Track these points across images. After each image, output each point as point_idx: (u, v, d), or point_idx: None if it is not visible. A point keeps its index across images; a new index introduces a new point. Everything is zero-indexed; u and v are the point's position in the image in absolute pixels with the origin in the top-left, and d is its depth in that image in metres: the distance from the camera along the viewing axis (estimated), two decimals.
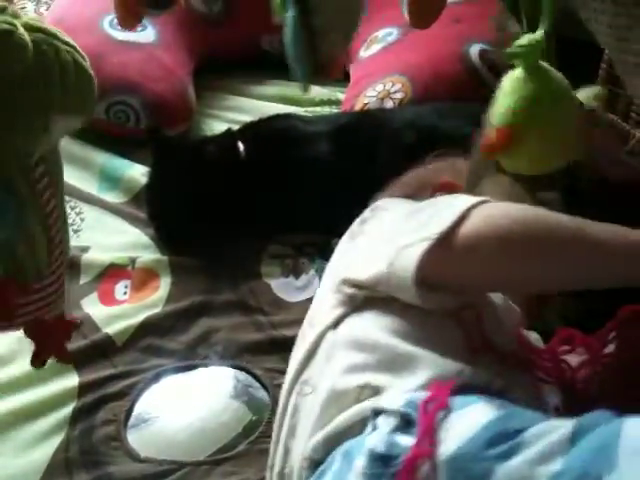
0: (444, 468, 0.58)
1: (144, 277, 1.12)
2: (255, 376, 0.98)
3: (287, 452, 0.71)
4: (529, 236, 0.69)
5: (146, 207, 1.21)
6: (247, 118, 1.36)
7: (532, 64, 0.82)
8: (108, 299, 1.10)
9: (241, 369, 0.99)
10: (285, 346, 1.01)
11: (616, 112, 1.48)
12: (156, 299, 1.09)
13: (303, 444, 0.69)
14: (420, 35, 1.43)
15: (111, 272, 1.13)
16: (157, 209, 1.19)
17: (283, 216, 1.18)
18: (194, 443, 0.91)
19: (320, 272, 1.14)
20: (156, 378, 0.98)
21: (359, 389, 0.68)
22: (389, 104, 1.35)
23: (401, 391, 0.67)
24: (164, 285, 1.11)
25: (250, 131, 1.24)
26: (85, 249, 1.17)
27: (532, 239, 0.69)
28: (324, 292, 0.80)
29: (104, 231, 1.21)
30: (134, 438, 0.92)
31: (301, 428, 0.71)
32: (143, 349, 1.02)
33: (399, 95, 1.35)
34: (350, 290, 0.74)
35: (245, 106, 1.49)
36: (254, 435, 0.91)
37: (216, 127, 1.41)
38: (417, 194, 0.95)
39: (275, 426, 0.76)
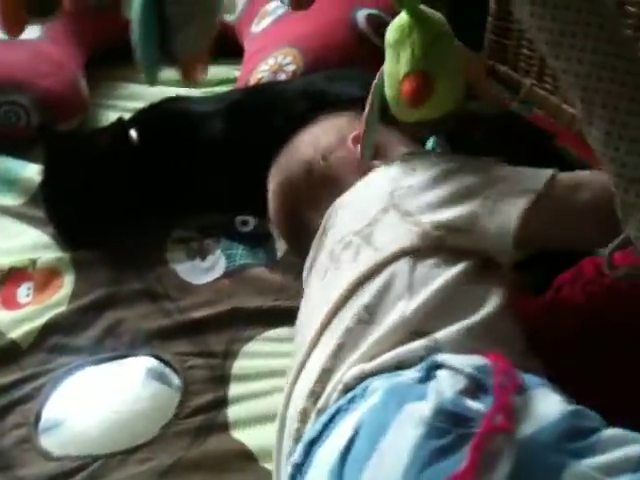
0: (519, 447, 0.58)
1: (46, 277, 1.11)
2: (165, 361, 0.98)
3: (326, 372, 0.71)
4: (601, 204, 0.73)
5: (43, 206, 1.19)
6: (144, 105, 1.35)
7: (417, 9, 0.82)
8: (11, 303, 1.08)
9: (151, 356, 0.99)
10: (193, 328, 1.03)
11: (505, 62, 1.52)
12: (60, 298, 1.08)
13: (344, 369, 0.70)
14: None
15: (12, 276, 1.11)
16: (54, 207, 1.17)
17: (183, 200, 1.18)
18: (109, 436, 0.90)
19: (226, 251, 1.15)
20: (64, 376, 0.97)
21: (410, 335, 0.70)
22: (282, 77, 1.35)
23: (450, 344, 0.69)
24: (67, 283, 1.10)
25: (141, 117, 1.23)
26: None
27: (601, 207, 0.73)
28: (376, 210, 0.80)
29: (3, 235, 1.19)
30: (47, 439, 0.91)
31: (347, 353, 0.71)
32: (49, 349, 1.01)
33: (291, 67, 1.35)
34: (435, 232, 0.75)
35: (141, 93, 1.46)
36: (168, 419, 0.91)
37: (112, 117, 1.37)
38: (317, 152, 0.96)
39: (309, 339, 0.75)
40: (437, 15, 0.84)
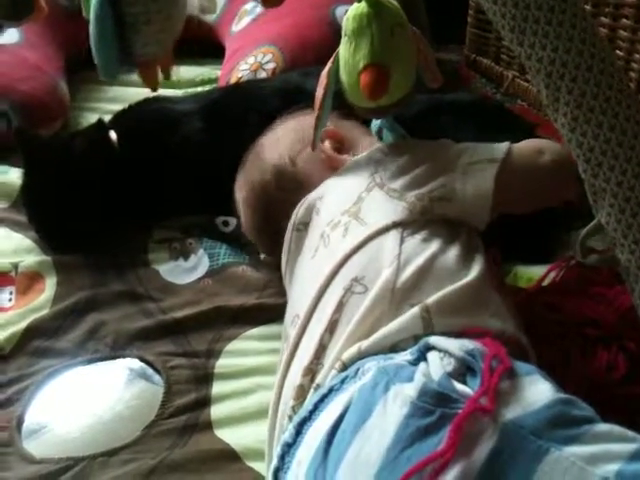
0: (501, 430, 0.58)
1: (28, 281, 1.10)
2: (148, 362, 0.97)
3: (322, 348, 0.72)
4: (562, 163, 0.81)
5: (24, 210, 1.19)
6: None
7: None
8: None
9: (133, 357, 0.98)
10: (176, 329, 1.02)
11: (487, 55, 1.52)
12: (42, 301, 1.07)
13: (340, 345, 0.70)
14: (286, 3, 1.43)
15: None
16: (34, 210, 1.17)
17: (164, 201, 1.17)
18: (91, 438, 0.90)
19: (208, 250, 1.14)
20: (47, 380, 0.96)
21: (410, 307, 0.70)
22: (262, 75, 1.35)
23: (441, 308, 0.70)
24: (49, 286, 1.09)
25: (120, 119, 1.22)
26: None
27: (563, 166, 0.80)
28: (359, 191, 0.82)
29: None
30: (30, 443, 0.90)
31: (342, 327, 0.71)
32: (31, 353, 1.00)
33: (271, 65, 1.35)
34: (420, 202, 0.78)
35: (122, 95, 1.46)
36: (150, 419, 0.91)
37: (94, 120, 1.38)
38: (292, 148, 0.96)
39: (302, 314, 0.75)
40: (394, 4, 0.83)
